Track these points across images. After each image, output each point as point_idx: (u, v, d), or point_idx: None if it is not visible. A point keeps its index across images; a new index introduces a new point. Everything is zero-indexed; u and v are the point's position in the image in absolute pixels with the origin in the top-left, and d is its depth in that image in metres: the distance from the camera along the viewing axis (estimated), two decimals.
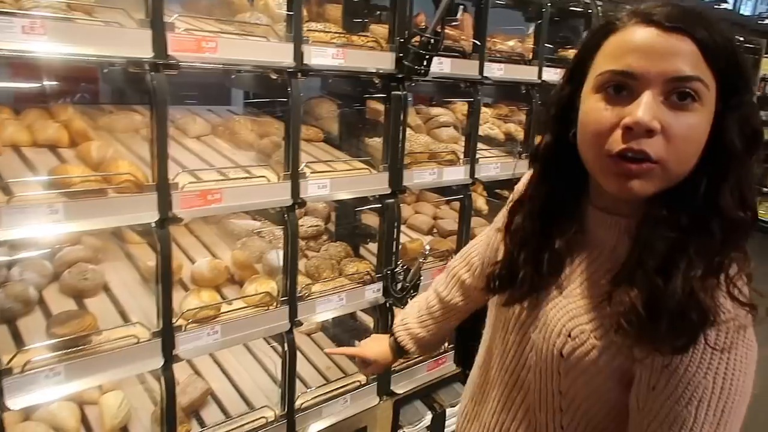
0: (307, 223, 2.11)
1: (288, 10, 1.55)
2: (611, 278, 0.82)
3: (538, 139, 0.94)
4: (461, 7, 2.15)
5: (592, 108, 0.78)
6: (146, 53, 1.31)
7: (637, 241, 0.80)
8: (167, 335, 1.49)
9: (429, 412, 2.28)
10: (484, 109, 2.73)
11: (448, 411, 2.33)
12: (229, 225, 2.03)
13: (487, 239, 1.16)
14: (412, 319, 1.35)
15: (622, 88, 0.75)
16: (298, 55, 1.58)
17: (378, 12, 1.98)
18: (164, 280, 1.46)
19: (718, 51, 0.73)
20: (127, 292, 1.68)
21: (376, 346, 1.41)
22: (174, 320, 1.51)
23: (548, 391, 0.90)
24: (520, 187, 1.04)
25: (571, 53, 2.61)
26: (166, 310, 1.48)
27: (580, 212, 0.91)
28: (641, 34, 0.74)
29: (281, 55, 1.55)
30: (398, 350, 1.36)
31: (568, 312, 0.88)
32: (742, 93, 0.76)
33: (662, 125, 0.72)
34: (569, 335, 0.85)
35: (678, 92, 0.72)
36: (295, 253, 1.70)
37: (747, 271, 0.77)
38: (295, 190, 1.66)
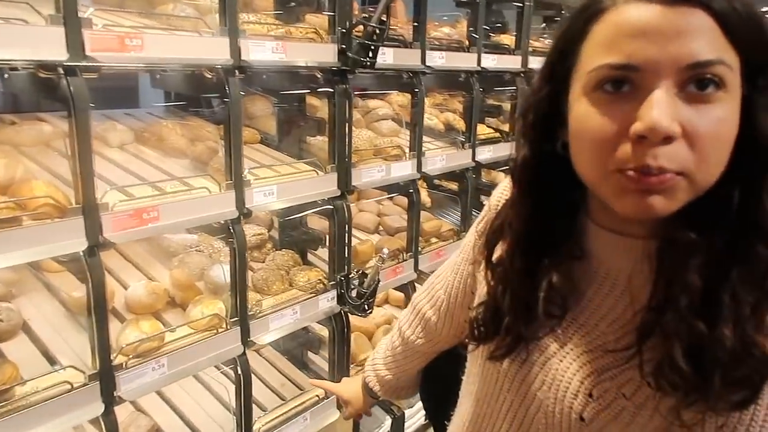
0: (249, 232, 1.95)
1: (220, 0, 1.38)
2: (636, 321, 0.66)
3: (514, 151, 0.76)
4: None
5: (588, 113, 0.61)
6: (59, 55, 1.11)
7: (660, 272, 0.64)
8: (106, 376, 1.31)
9: (388, 417, 2.20)
10: None
11: (407, 413, 2.26)
12: (162, 241, 1.83)
13: (454, 269, 0.99)
14: (380, 357, 1.18)
15: (623, 83, 0.58)
16: (236, 50, 1.41)
17: (315, 2, 1.84)
18: (98, 313, 1.27)
19: (740, 23, 0.57)
20: (50, 330, 1.46)
21: (351, 387, 1.26)
22: (112, 357, 1.32)
23: None
24: (494, 203, 0.86)
25: (505, 39, 2.58)
26: (102, 347, 1.30)
27: (578, 233, 0.74)
28: (641, 12, 0.57)
29: (216, 51, 1.39)
30: (369, 392, 1.19)
31: (585, 365, 0.71)
32: None
33: (683, 126, 0.55)
34: (590, 395, 0.69)
35: (697, 80, 0.56)
36: (244, 269, 1.55)
37: None
38: (240, 200, 1.50)
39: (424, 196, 2.64)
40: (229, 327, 1.56)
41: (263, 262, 1.95)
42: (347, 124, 1.77)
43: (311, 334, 2.09)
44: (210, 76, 1.42)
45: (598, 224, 0.72)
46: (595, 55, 0.60)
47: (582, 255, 0.74)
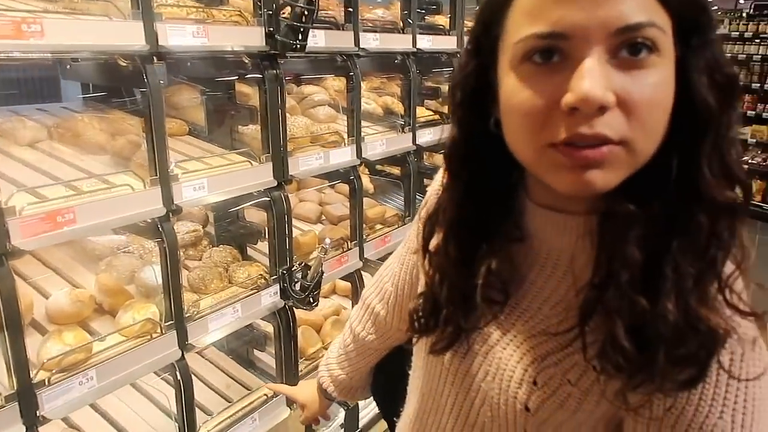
0: (182, 230, 1.84)
1: None
2: (579, 302, 0.63)
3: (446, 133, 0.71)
4: None
5: (517, 87, 0.57)
6: None
7: (601, 248, 0.61)
8: (26, 396, 1.20)
9: (341, 409, 2.16)
10: None
11: (361, 404, 2.22)
12: (86, 244, 1.70)
13: (400, 260, 0.96)
14: (333, 357, 1.13)
15: (552, 53, 0.54)
16: (152, 35, 1.31)
17: None
18: (11, 328, 1.16)
19: None
20: None
21: (307, 389, 1.19)
22: (33, 375, 1.22)
23: None
24: (435, 188, 0.82)
25: (440, 19, 2.54)
26: (19, 364, 1.19)
27: (517, 215, 0.70)
28: None
29: (130, 36, 1.28)
30: (324, 393, 1.15)
31: (528, 351, 0.68)
32: (705, 30, 0.56)
33: (618, 94, 0.52)
34: (534, 383, 0.66)
35: (629, 45, 0.52)
36: (176, 269, 1.46)
37: (746, 266, 0.59)
38: (168, 196, 1.41)
39: (366, 182, 2.59)
40: (164, 331, 1.47)
41: (200, 260, 1.85)
42: (280, 111, 1.68)
43: (256, 332, 2.01)
44: (125, 65, 1.31)
45: (537, 203, 0.69)
46: (521, 24, 0.56)
47: (522, 237, 0.71)
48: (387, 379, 1.09)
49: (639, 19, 0.52)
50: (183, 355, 1.52)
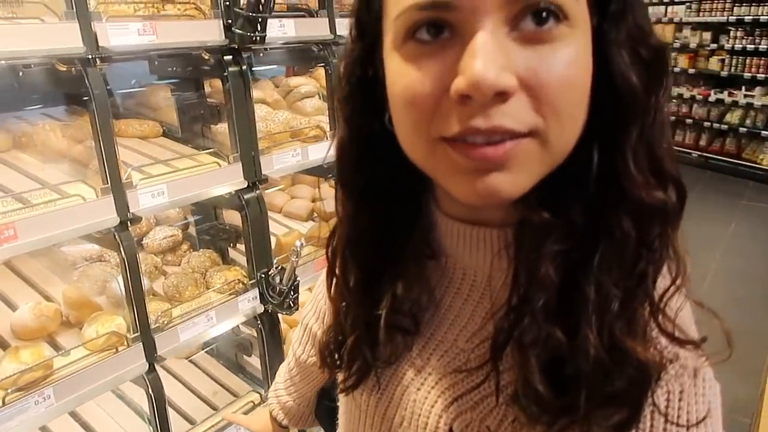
0: (159, 235, 1.80)
1: None
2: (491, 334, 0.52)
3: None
4: None
5: (400, 71, 0.46)
6: None
7: (518, 267, 0.50)
8: None
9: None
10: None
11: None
12: (58, 255, 1.67)
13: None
14: (281, 383, 1.05)
15: (440, 28, 0.43)
16: (90, 36, 1.24)
17: None
18: None
19: None
20: None
21: (262, 418, 1.10)
22: None
23: None
24: None
25: None
26: None
27: (425, 229, 0.60)
28: None
29: (65, 39, 1.21)
30: (275, 422, 1.05)
31: (443, 393, 0.58)
32: (626, 2, 0.45)
33: (521, 75, 0.41)
34: (450, 431, 0.57)
35: (532, 13, 0.42)
36: (138, 280, 1.40)
37: (683, 281, 0.48)
38: (122, 205, 1.35)
39: None
40: (130, 344, 1.42)
41: (179, 265, 1.80)
42: (248, 108, 1.60)
43: (243, 336, 1.96)
44: (64, 69, 1.25)
45: (448, 214, 0.58)
46: None
47: (432, 254, 0.61)
48: (331, 402, 1.00)
49: None
50: (152, 367, 1.47)
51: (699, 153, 7.02)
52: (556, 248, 0.47)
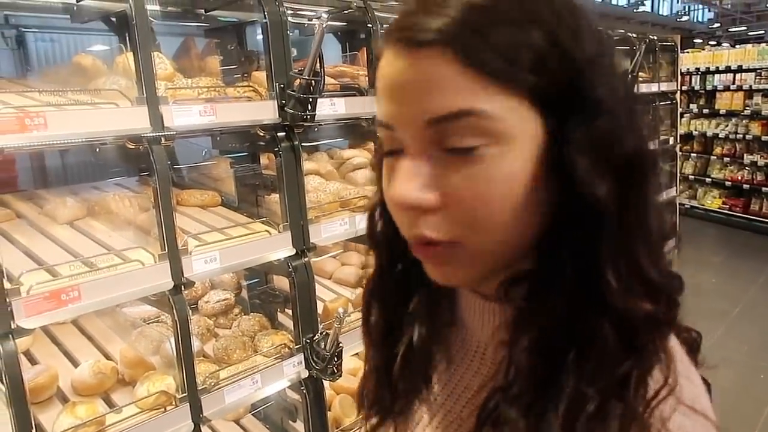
0: (213, 299, 1.89)
1: (138, 69, 1.36)
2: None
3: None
4: None
5: (384, 177, 0.53)
6: None
7: (509, 347, 0.51)
8: None
9: None
10: None
11: None
12: (121, 315, 1.78)
13: None
14: None
15: (393, 143, 0.50)
16: (157, 117, 1.38)
17: (256, 59, 1.81)
18: (17, 405, 1.21)
19: (511, 55, 0.44)
20: None
21: None
22: None
23: None
24: None
25: None
26: None
27: (453, 296, 0.64)
28: (389, 62, 0.48)
29: (135, 120, 1.35)
30: None
31: None
32: (585, 98, 0.45)
33: (444, 194, 0.47)
34: None
35: (450, 136, 0.46)
36: (188, 342, 1.47)
37: (674, 383, 0.46)
38: (177, 270, 1.44)
39: None
40: (177, 404, 1.48)
41: (229, 328, 1.88)
42: (298, 180, 1.70)
43: (289, 401, 1.98)
44: (133, 147, 1.39)
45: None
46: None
47: (453, 322, 0.64)
48: None
49: (450, 109, 0.45)
50: (198, 427, 1.52)
51: None
52: (534, 336, 0.48)
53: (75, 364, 1.62)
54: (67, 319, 1.33)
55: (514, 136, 0.45)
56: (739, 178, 7.20)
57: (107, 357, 1.67)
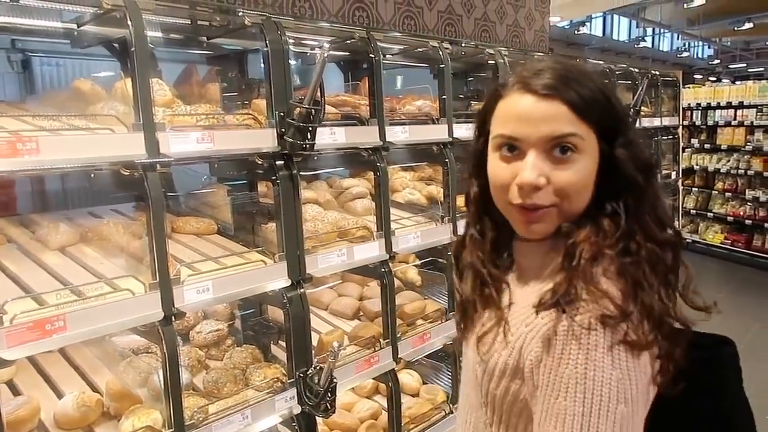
0: (206, 329, 1.84)
1: (135, 94, 1.34)
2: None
3: (465, 192, 1.03)
4: None
5: (494, 165, 0.90)
6: None
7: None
8: None
9: None
10: (402, 174, 2.56)
11: None
12: (110, 345, 1.73)
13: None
14: None
15: (513, 147, 0.86)
16: (152, 144, 1.36)
17: (257, 87, 1.80)
18: None
19: (588, 106, 0.83)
20: None
21: None
22: None
23: None
24: None
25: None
26: None
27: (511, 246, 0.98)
28: (521, 101, 0.85)
29: (130, 146, 1.33)
30: None
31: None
32: (624, 134, 0.87)
33: (548, 178, 0.84)
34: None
35: (559, 147, 0.83)
36: (176, 375, 1.42)
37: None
38: (168, 300, 1.40)
39: (413, 274, 2.49)
40: None
41: (221, 359, 1.82)
42: (295, 209, 1.67)
43: None
44: (127, 173, 1.36)
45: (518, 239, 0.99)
46: (496, 126, 0.90)
47: (510, 265, 0.99)
48: None
49: (563, 132, 0.83)
50: None
51: None
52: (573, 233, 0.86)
53: (59, 395, 1.57)
54: (52, 349, 1.29)
55: (587, 149, 0.85)
56: (741, 213, 7.17)
57: (93, 388, 1.62)
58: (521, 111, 0.84)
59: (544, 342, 0.77)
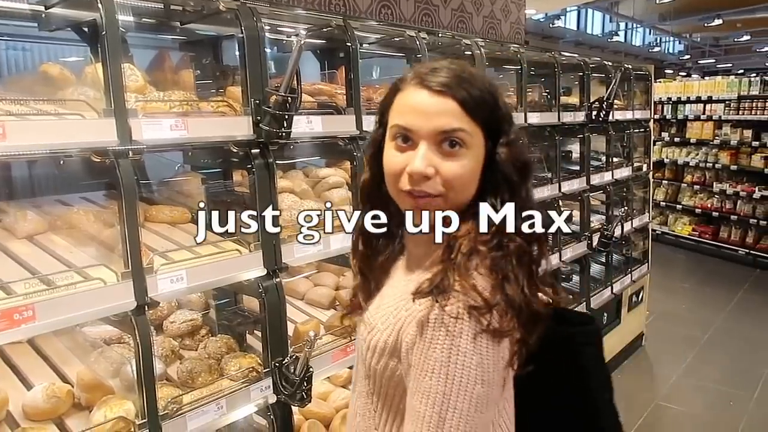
0: (179, 319, 1.82)
1: (107, 79, 1.31)
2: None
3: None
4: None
5: (389, 154, 0.93)
6: None
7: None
8: None
9: None
10: None
11: None
12: (81, 335, 1.70)
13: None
14: None
15: (407, 138, 0.90)
16: (124, 130, 1.33)
17: (232, 74, 1.78)
18: None
19: (476, 106, 0.89)
20: None
21: None
22: None
23: None
24: None
25: None
26: None
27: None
28: (416, 96, 0.90)
29: (101, 133, 1.30)
30: None
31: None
32: (507, 134, 0.92)
33: (436, 169, 0.88)
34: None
35: (448, 141, 0.88)
36: (150, 365, 1.41)
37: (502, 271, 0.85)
38: (141, 290, 1.38)
39: None
40: (136, 431, 1.40)
41: (196, 350, 1.81)
42: (272, 197, 1.66)
43: (254, 427, 1.91)
44: (98, 160, 1.33)
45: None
46: (393, 117, 0.94)
47: (401, 250, 1.06)
48: None
49: (453, 126, 0.88)
50: None
51: (746, 250, 6.79)
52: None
53: (29, 386, 1.54)
54: (20, 339, 1.26)
55: (474, 145, 0.90)
56: (709, 205, 7.35)
57: (64, 379, 1.59)
58: (416, 104, 0.88)
59: (418, 326, 0.84)
